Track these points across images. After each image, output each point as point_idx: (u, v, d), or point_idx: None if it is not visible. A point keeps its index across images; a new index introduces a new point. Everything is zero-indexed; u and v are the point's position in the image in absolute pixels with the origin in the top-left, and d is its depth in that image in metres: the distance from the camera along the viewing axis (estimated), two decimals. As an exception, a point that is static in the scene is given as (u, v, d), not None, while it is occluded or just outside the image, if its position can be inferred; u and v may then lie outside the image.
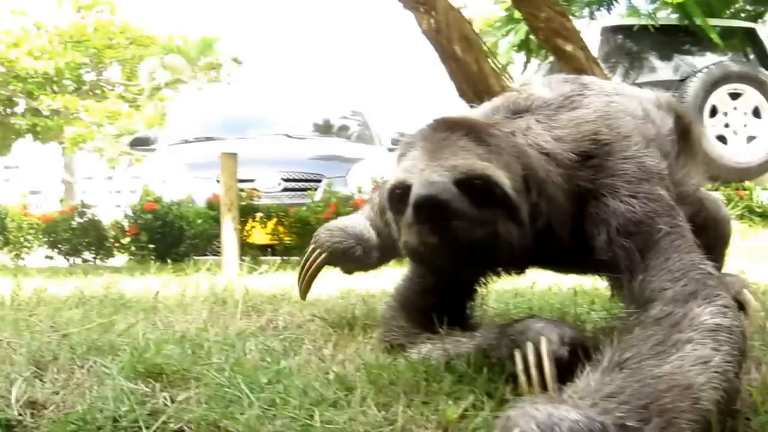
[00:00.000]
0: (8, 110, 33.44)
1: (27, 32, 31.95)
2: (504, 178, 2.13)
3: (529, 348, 2.09)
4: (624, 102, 2.62)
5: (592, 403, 1.61)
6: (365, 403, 2.01)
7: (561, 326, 2.18)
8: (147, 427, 1.91)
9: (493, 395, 2.03)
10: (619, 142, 2.40)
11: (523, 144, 2.32)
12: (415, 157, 2.19)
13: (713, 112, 11.19)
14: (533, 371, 2.05)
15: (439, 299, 2.59)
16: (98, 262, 10.37)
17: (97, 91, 35.67)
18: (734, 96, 11.26)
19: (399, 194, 2.20)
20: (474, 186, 2.09)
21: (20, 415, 2.04)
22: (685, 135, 2.86)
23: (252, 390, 2.08)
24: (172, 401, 2.07)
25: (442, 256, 2.15)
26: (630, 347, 1.85)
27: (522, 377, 2.07)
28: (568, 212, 2.34)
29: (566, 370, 2.04)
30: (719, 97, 11.18)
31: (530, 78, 2.84)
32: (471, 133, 2.20)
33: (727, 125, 11.29)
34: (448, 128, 2.23)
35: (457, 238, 2.08)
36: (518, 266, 2.53)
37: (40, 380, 2.33)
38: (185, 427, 1.92)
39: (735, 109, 11.28)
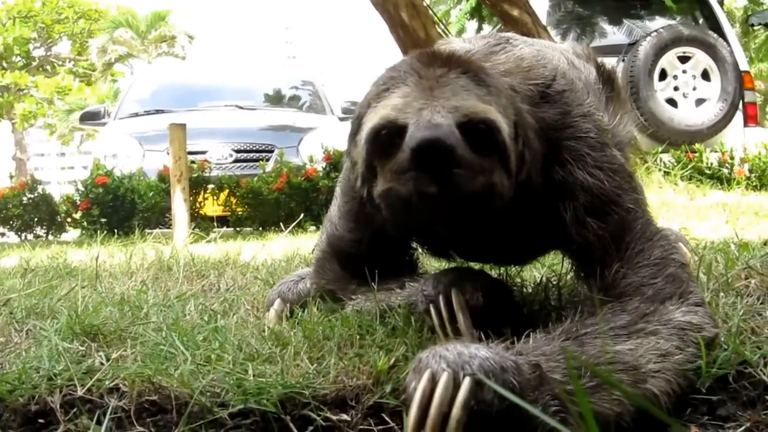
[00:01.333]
0: (-43, 88, 32.94)
1: (-27, 9, 31.52)
2: (504, 124, 1.94)
3: (441, 302, 2.08)
4: (548, 52, 2.51)
5: (522, 356, 1.61)
6: (299, 357, 2.05)
7: (473, 274, 2.20)
8: (82, 385, 1.94)
9: (423, 346, 2.04)
10: (572, 91, 2.28)
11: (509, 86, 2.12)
12: (407, 94, 1.92)
13: (663, 75, 11.25)
14: (447, 325, 2.06)
15: (374, 259, 2.43)
16: (51, 237, 10.31)
17: (47, 67, 35.21)
18: (683, 59, 11.33)
19: (386, 135, 1.92)
20: (477, 131, 1.89)
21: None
22: (609, 82, 2.78)
23: (188, 347, 2.11)
24: (108, 360, 2.09)
25: (435, 207, 1.89)
26: (589, 325, 1.84)
27: (439, 332, 2.08)
28: (541, 155, 2.14)
29: (485, 317, 2.05)
30: (669, 60, 11.23)
31: (448, 39, 2.76)
32: (469, 71, 1.99)
33: (676, 88, 11.34)
34: (443, 64, 1.99)
35: (458, 187, 1.83)
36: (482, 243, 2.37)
37: (-23, 345, 2.34)
38: (120, 384, 1.95)
39: (684, 72, 11.35)
